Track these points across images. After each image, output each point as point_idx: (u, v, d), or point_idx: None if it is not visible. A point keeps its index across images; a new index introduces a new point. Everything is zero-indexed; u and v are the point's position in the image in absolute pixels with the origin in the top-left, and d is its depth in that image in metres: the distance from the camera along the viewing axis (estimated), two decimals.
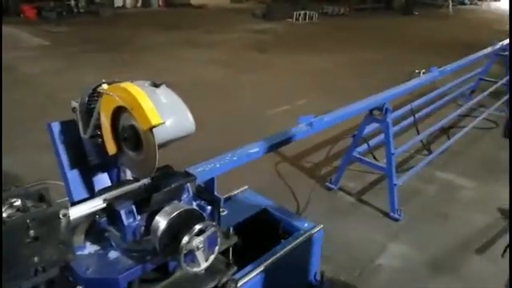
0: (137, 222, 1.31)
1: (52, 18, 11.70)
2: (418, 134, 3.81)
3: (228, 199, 2.43)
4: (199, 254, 1.29)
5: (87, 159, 1.63)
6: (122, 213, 1.28)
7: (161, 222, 1.30)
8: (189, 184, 1.47)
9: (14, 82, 6.03)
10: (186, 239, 1.23)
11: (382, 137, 3.23)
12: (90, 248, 1.40)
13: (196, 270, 1.30)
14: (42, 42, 8.96)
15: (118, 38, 9.55)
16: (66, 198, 1.58)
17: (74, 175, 1.59)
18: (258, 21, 13.24)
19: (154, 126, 1.25)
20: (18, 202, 1.12)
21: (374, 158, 3.44)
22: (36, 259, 1.12)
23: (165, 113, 1.36)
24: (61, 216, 1.12)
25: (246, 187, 2.53)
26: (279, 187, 3.58)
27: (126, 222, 1.28)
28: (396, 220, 3.17)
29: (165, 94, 1.41)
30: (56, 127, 1.57)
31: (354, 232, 3.04)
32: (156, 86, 1.40)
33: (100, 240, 1.43)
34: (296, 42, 10.12)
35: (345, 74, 7.38)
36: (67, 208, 1.15)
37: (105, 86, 1.41)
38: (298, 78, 6.98)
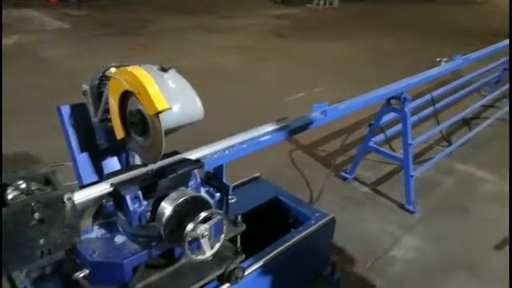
0: (142, 208, 1.30)
1: (72, 0, 11.77)
2: (438, 124, 3.69)
3: (239, 186, 2.41)
4: (204, 242, 1.27)
5: (97, 143, 1.64)
6: (128, 198, 1.27)
7: (166, 208, 1.28)
8: (196, 170, 1.45)
9: (32, 66, 6.11)
10: (190, 226, 1.22)
11: (399, 127, 3.14)
12: (98, 232, 1.41)
13: (201, 257, 1.29)
14: (62, 25, 9.02)
15: (135, 21, 9.54)
16: (76, 182, 1.59)
17: (83, 159, 1.59)
18: (278, 6, 12.99)
19: (160, 112, 1.22)
20: (25, 185, 1.12)
21: (391, 148, 3.35)
22: (42, 241, 1.12)
23: (172, 98, 1.33)
24: (65, 200, 1.12)
25: (258, 175, 2.51)
26: (292, 176, 3.54)
27: (131, 207, 1.28)
28: (411, 212, 3.10)
29: (173, 79, 1.38)
30: (66, 110, 1.56)
31: (367, 223, 2.99)
32: (164, 70, 1.37)
33: (107, 224, 1.43)
34: (316, 28, 9.92)
35: (365, 61, 7.20)
36: (72, 192, 1.14)
37: (112, 70, 1.40)
38: (317, 65, 6.85)
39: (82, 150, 1.58)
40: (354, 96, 2.45)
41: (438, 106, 3.75)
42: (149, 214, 1.32)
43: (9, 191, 1.11)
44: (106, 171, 1.63)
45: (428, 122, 4.00)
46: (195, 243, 1.27)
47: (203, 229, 1.24)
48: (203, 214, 1.25)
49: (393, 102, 2.85)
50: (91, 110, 1.57)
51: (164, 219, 1.26)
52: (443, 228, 2.97)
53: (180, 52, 7.23)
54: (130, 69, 1.29)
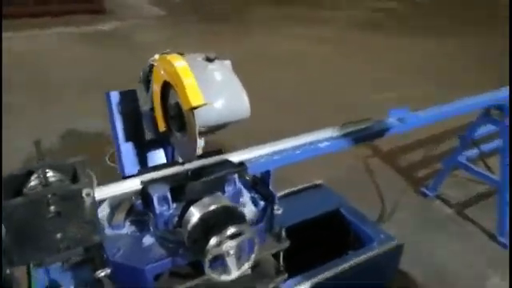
0: (171, 211, 1.18)
1: None
2: None
3: (298, 193, 2.21)
4: (230, 260, 1.11)
5: (143, 133, 1.56)
6: (155, 198, 1.15)
7: (194, 214, 1.15)
8: (236, 176, 1.29)
9: (125, 50, 6.47)
10: (214, 240, 1.06)
11: (498, 142, 2.63)
12: (128, 228, 1.32)
13: (224, 278, 1.12)
14: (160, 11, 9.49)
15: (228, 9, 9.70)
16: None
17: (128, 148, 1.52)
18: None
19: (195, 108, 1.08)
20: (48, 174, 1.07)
21: (486, 166, 2.85)
22: (59, 236, 1.06)
23: (215, 92, 1.18)
24: (84, 195, 1.03)
25: (320, 182, 2.28)
26: (364, 186, 3.20)
27: (158, 209, 1.16)
28: (505, 246, 2.60)
29: (218, 71, 1.22)
30: (115, 97, 1.51)
31: (446, 251, 2.57)
32: (210, 60, 1.22)
33: (139, 222, 1.33)
34: (416, 23, 9.00)
35: (468, 65, 6.32)
36: (91, 187, 1.05)
37: (156, 57, 1.29)
38: (409, 65, 6.22)
39: (128, 139, 1.52)
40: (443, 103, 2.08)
41: None
42: (177, 218, 1.19)
43: (32, 178, 1.06)
44: (151, 164, 1.56)
45: None
46: (220, 260, 1.11)
47: (229, 246, 1.08)
48: (232, 230, 1.08)
49: (493, 112, 2.39)
50: (141, 97, 1.50)
51: (189, 227, 1.13)
52: None
53: (264, 42, 7.12)
54: (169, 57, 1.17)
